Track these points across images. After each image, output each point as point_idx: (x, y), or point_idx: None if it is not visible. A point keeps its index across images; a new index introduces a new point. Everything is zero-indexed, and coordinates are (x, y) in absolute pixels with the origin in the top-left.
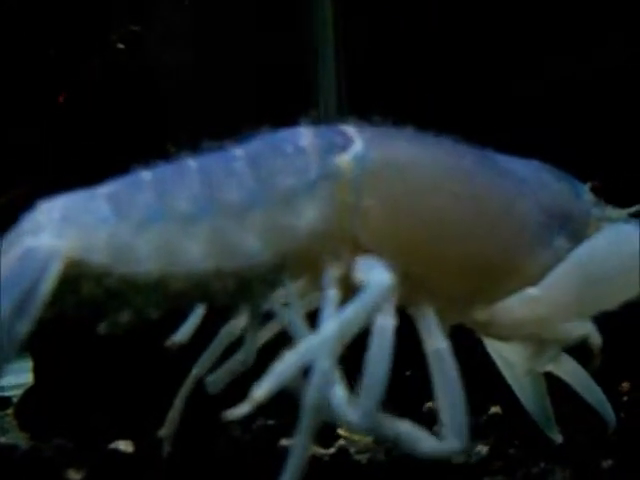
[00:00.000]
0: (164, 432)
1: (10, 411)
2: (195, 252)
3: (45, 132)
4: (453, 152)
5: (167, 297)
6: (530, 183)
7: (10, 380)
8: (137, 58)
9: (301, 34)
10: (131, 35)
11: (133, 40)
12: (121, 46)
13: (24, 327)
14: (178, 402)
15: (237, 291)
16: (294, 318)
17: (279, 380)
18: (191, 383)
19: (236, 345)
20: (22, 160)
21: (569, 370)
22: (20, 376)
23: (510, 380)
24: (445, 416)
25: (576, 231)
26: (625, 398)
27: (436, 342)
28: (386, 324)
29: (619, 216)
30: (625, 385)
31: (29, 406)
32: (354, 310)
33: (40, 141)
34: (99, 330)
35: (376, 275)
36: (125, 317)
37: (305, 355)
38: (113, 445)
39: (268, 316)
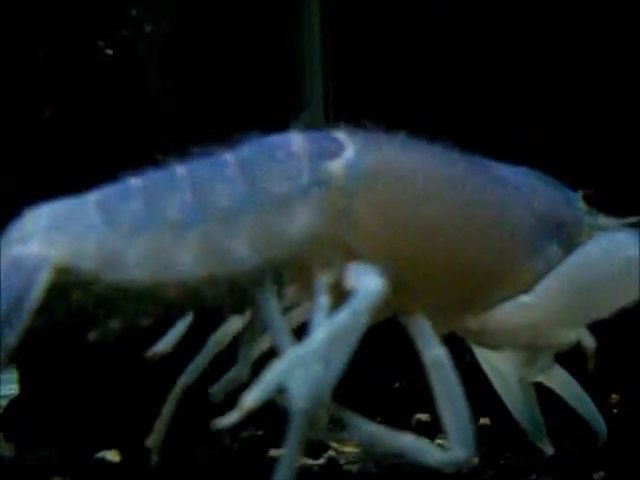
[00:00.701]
0: (152, 441)
1: None
2: (186, 259)
3: (32, 139)
4: (445, 159)
5: (158, 304)
6: (522, 190)
7: None
8: (126, 63)
9: (288, 38)
10: (120, 40)
11: (122, 45)
12: (110, 52)
13: (13, 336)
14: (166, 411)
15: (229, 298)
16: (276, 326)
17: (268, 388)
18: (179, 391)
19: (226, 352)
20: (7, 167)
21: (560, 381)
22: (5, 388)
23: (500, 390)
24: (449, 425)
25: (569, 239)
26: (615, 410)
27: (433, 350)
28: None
29: (611, 225)
30: (614, 397)
31: (14, 417)
32: (344, 317)
33: (27, 148)
34: (89, 337)
35: (366, 281)
36: (115, 324)
37: (295, 363)
38: (100, 455)
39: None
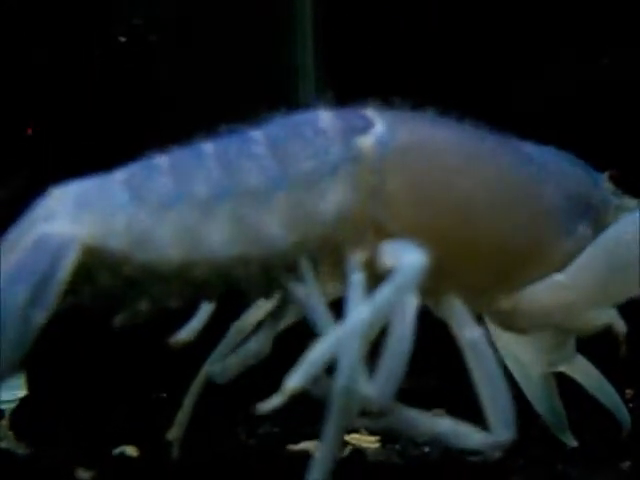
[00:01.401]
0: (173, 434)
1: (4, 422)
2: (217, 238)
3: (45, 123)
4: (475, 135)
5: (188, 285)
6: (551, 169)
7: (3, 396)
8: (139, 51)
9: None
10: (133, 29)
11: (135, 33)
12: (123, 39)
13: (41, 316)
14: (187, 402)
15: (261, 278)
16: (315, 306)
17: (312, 369)
18: (200, 383)
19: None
20: (21, 152)
21: (583, 371)
22: (13, 392)
23: (521, 383)
24: (489, 407)
25: (597, 219)
26: (630, 405)
27: (469, 330)
28: (408, 302)
29: (636, 206)
30: (629, 392)
31: (24, 416)
32: (387, 293)
33: (40, 133)
34: (115, 322)
35: (408, 256)
36: (144, 307)
37: (338, 341)
38: (118, 450)
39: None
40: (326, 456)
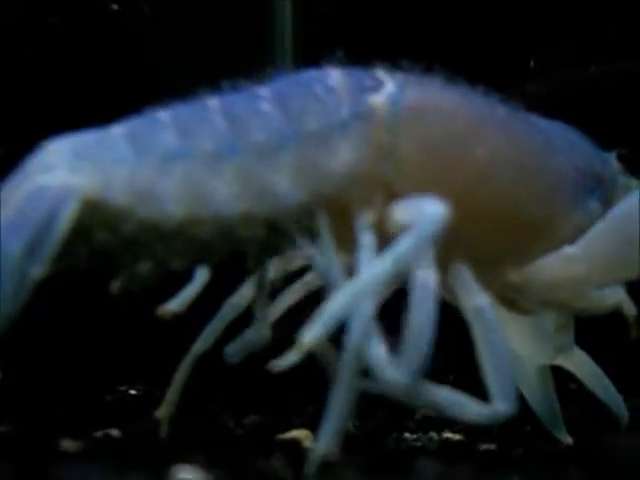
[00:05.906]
0: (161, 413)
1: None
2: (223, 193)
3: (34, 90)
4: (486, 100)
5: (190, 245)
6: (560, 141)
7: None
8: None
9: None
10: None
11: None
12: (115, 7)
13: (38, 270)
14: (177, 380)
15: (266, 239)
16: (329, 263)
17: (328, 323)
18: (191, 361)
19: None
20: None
21: (579, 363)
22: None
23: (518, 379)
24: (491, 379)
25: (605, 195)
26: None
27: (475, 298)
28: (428, 278)
29: None
30: None
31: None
32: (407, 243)
33: (29, 99)
34: (112, 288)
35: (429, 207)
36: (144, 269)
37: (356, 293)
38: (100, 433)
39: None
40: (334, 423)
